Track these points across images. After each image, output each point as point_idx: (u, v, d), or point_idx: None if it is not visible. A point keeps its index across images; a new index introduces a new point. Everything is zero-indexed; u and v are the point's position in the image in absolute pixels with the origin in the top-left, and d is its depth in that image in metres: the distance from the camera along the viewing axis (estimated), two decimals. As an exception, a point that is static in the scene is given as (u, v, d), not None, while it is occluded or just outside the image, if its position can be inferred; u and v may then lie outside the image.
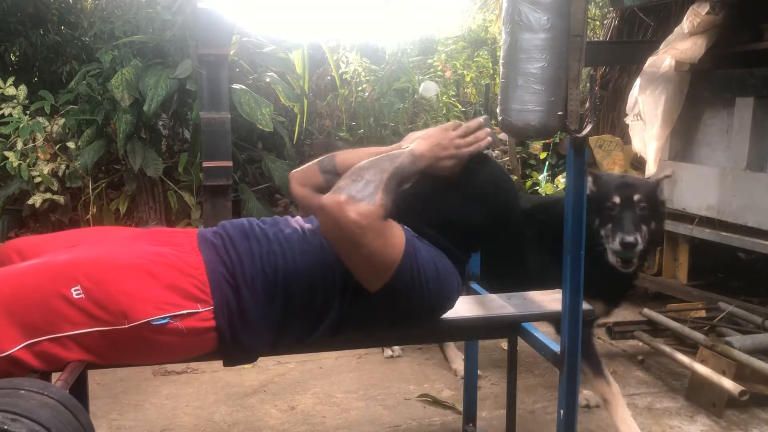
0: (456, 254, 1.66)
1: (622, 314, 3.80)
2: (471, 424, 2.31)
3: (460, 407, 2.42)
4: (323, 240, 1.54)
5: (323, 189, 1.76)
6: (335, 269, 1.52)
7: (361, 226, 1.37)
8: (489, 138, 1.66)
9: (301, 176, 1.88)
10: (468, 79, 5.41)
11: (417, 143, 1.61)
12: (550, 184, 4.36)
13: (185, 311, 1.44)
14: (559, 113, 1.66)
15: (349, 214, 1.37)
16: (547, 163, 4.53)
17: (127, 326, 1.41)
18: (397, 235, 1.48)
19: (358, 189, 1.41)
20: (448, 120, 4.89)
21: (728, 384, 2.48)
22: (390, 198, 1.46)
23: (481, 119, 1.68)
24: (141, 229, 1.79)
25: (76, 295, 1.39)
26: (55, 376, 1.43)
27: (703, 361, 2.71)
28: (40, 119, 3.75)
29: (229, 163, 3.24)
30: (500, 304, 1.92)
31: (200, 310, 1.46)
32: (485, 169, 1.69)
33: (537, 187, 4.46)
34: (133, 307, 1.41)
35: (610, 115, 4.35)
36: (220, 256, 1.53)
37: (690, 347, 2.99)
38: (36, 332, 1.38)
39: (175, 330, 1.43)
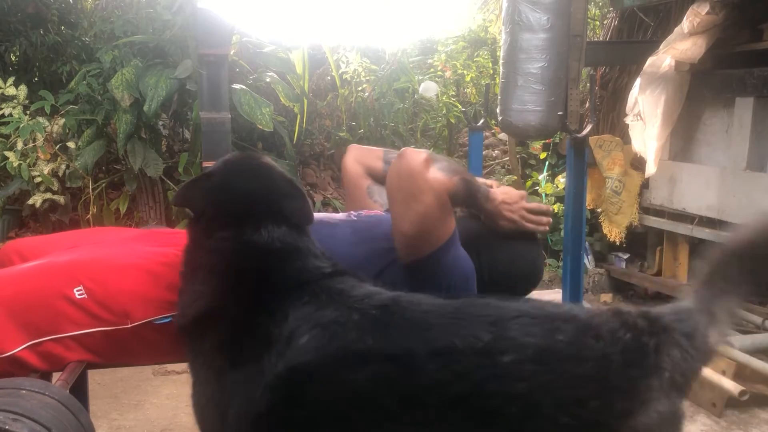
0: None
1: (622, 314, 3.80)
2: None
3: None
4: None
5: (378, 176, 1.85)
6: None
7: (431, 186, 1.41)
8: (547, 228, 1.74)
9: (361, 154, 1.92)
10: (468, 79, 5.41)
11: (495, 191, 1.67)
12: (550, 184, 4.36)
13: None
14: (559, 113, 1.67)
15: (426, 170, 1.42)
16: (547, 163, 4.52)
17: (129, 326, 1.42)
18: (450, 220, 1.51)
19: (442, 164, 1.47)
20: (449, 120, 4.89)
21: (728, 384, 2.48)
22: (462, 191, 1.51)
23: (550, 208, 1.77)
24: (142, 230, 1.80)
25: (79, 295, 1.40)
26: (55, 376, 1.43)
27: (703, 361, 2.71)
28: (40, 119, 3.75)
29: (229, 163, 3.23)
30: (500, 304, 1.93)
31: None
32: (528, 244, 1.75)
33: (537, 187, 4.46)
34: (135, 307, 1.42)
35: (610, 115, 4.35)
36: None
37: (690, 347, 2.99)
38: (38, 333, 1.38)
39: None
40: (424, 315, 1.15)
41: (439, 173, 1.43)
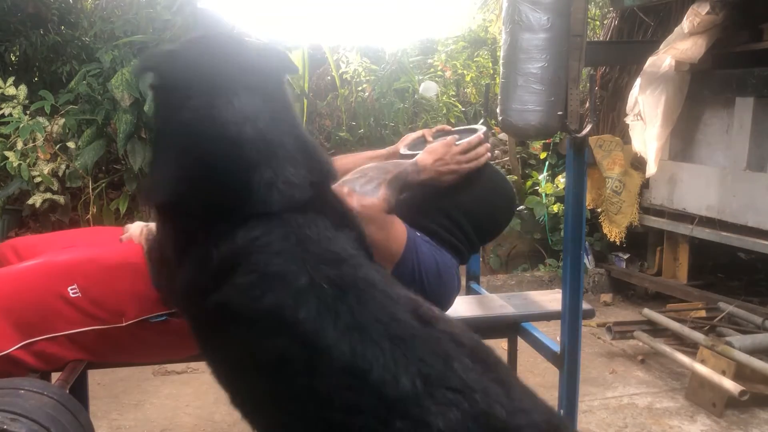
0: (461, 250, 1.66)
1: (622, 314, 3.80)
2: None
3: (460, 407, 2.42)
4: None
5: None
6: None
7: (363, 217, 1.38)
8: (488, 154, 1.69)
9: (341, 164, 1.89)
10: (468, 79, 5.40)
11: (420, 156, 1.64)
12: (550, 184, 4.35)
13: None
14: (559, 113, 1.67)
15: (352, 204, 1.39)
16: (547, 163, 4.52)
17: (124, 324, 1.42)
18: (399, 230, 1.50)
19: (362, 184, 1.45)
20: (449, 120, 4.89)
21: (728, 384, 2.48)
22: (393, 194, 1.48)
23: (480, 134, 1.70)
24: None
25: (73, 294, 1.40)
26: (55, 375, 1.43)
27: (703, 361, 2.71)
28: (40, 119, 3.75)
29: (229, 163, 3.24)
30: (500, 304, 1.93)
31: None
32: (484, 176, 1.71)
33: (537, 187, 4.46)
34: (130, 306, 1.42)
35: (610, 115, 4.34)
36: None
37: (690, 347, 2.99)
38: (33, 331, 1.38)
39: (173, 327, 1.44)
40: (373, 326, 0.97)
41: (365, 199, 1.42)
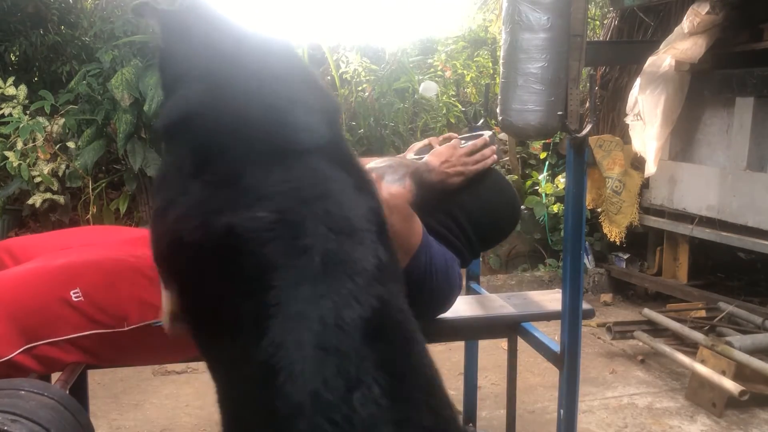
0: (463, 253, 1.67)
1: (622, 314, 3.81)
2: (471, 424, 2.31)
3: (460, 407, 2.42)
4: None
5: None
6: None
7: (390, 205, 1.38)
8: (494, 156, 1.70)
9: None
10: (468, 79, 5.40)
11: (428, 158, 1.65)
12: (550, 184, 4.35)
13: None
14: (559, 113, 1.67)
15: (380, 192, 1.39)
16: (547, 163, 4.52)
17: (127, 329, 1.41)
18: (418, 223, 1.51)
19: (390, 172, 1.46)
20: (449, 120, 4.89)
21: (728, 384, 2.48)
22: (414, 188, 1.49)
23: (486, 137, 1.72)
24: (136, 232, 1.78)
25: (76, 298, 1.39)
26: (54, 376, 1.43)
27: (703, 361, 2.71)
28: (40, 119, 3.75)
29: (229, 163, 3.24)
30: (500, 304, 1.93)
31: None
32: (489, 179, 1.72)
33: (537, 187, 4.46)
34: (133, 310, 1.41)
35: (610, 115, 4.35)
36: None
37: (690, 347, 2.99)
38: (35, 336, 1.38)
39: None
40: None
41: (393, 188, 1.43)
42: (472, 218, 1.67)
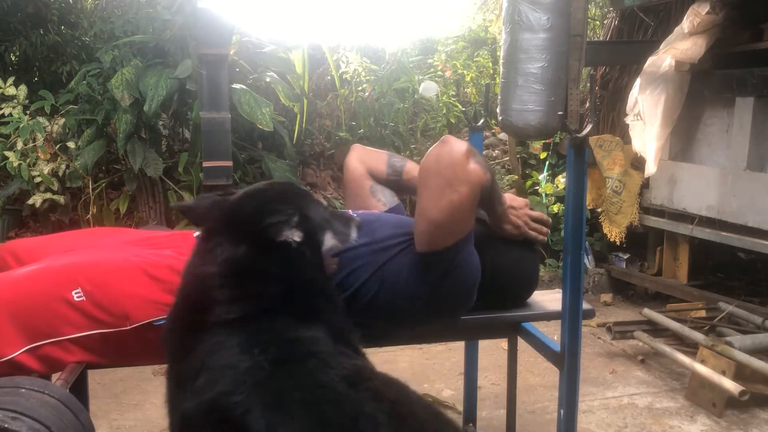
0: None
1: (622, 314, 3.81)
2: (471, 424, 2.32)
3: (460, 407, 2.42)
4: None
5: (380, 180, 1.87)
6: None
7: (469, 177, 1.41)
8: (545, 238, 1.79)
9: (365, 154, 1.93)
10: (468, 79, 5.41)
11: (505, 194, 1.71)
12: (550, 184, 4.36)
13: None
14: (559, 113, 1.67)
15: (467, 160, 1.42)
16: (547, 163, 4.52)
17: (128, 327, 1.42)
18: (474, 218, 1.52)
19: (479, 158, 1.47)
20: (449, 120, 4.90)
21: (728, 384, 2.48)
22: (491, 187, 1.52)
23: (549, 220, 1.81)
24: (138, 232, 1.79)
25: (77, 297, 1.40)
26: (55, 376, 1.43)
27: (703, 361, 2.71)
28: (40, 119, 3.75)
29: (229, 163, 3.23)
30: (500, 304, 1.92)
31: None
32: (529, 253, 1.80)
33: (537, 187, 4.46)
34: (134, 309, 1.42)
35: (610, 115, 4.35)
36: None
37: (690, 347, 2.99)
38: (38, 336, 1.38)
39: None
40: (292, 395, 1.04)
41: (477, 166, 1.43)
42: (495, 268, 1.69)
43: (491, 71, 5.42)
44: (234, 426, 1.02)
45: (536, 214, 1.76)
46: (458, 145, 1.43)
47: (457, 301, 1.61)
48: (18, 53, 4.27)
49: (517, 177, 4.57)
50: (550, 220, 1.84)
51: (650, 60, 3.48)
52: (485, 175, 1.45)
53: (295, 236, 1.22)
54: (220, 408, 1.04)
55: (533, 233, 1.74)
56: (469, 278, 1.55)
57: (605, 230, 3.99)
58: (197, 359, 1.12)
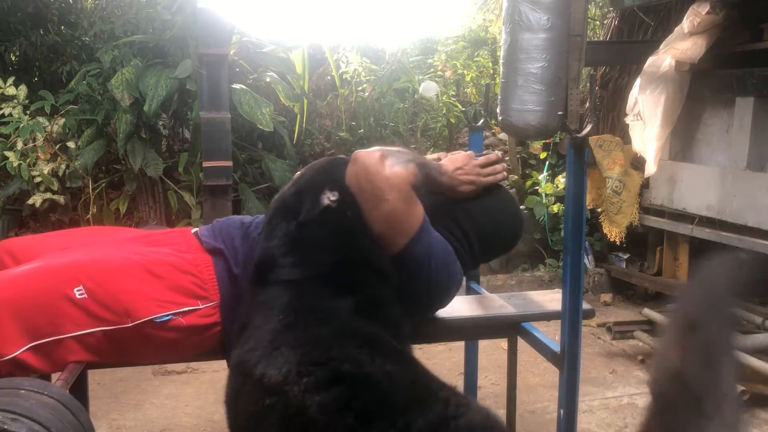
0: (464, 260, 1.66)
1: (622, 314, 3.81)
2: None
3: (460, 407, 2.41)
4: None
5: None
6: None
7: (390, 183, 1.41)
8: (505, 173, 1.74)
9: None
10: (468, 79, 5.40)
11: (443, 161, 1.66)
12: (550, 184, 4.35)
13: (187, 308, 1.46)
14: (559, 113, 1.67)
15: (382, 168, 1.42)
16: (547, 163, 4.52)
17: (130, 324, 1.42)
18: (419, 208, 1.51)
19: (394, 155, 1.48)
20: (449, 120, 4.89)
21: (728, 384, 2.48)
22: (420, 175, 1.50)
23: (498, 154, 1.76)
24: (136, 230, 1.79)
25: (79, 295, 1.40)
26: (55, 375, 1.43)
27: (703, 361, 2.70)
28: (40, 119, 3.75)
29: (229, 163, 3.24)
30: (500, 304, 1.93)
31: (201, 307, 1.47)
32: (498, 196, 1.75)
33: (537, 187, 4.46)
34: (135, 306, 1.42)
35: (610, 115, 4.34)
36: (224, 255, 1.54)
37: (690, 347, 2.98)
38: (40, 334, 1.38)
39: (177, 327, 1.45)
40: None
41: (396, 167, 1.44)
42: (477, 227, 1.67)
43: (491, 71, 5.41)
44: (252, 381, 1.14)
45: (482, 159, 1.70)
46: (368, 158, 1.43)
47: (451, 279, 1.61)
48: (18, 53, 4.27)
49: (517, 177, 4.57)
50: (500, 154, 1.77)
51: (650, 60, 3.48)
52: (406, 170, 1.45)
53: (330, 196, 1.37)
54: (243, 361, 1.19)
55: (489, 179, 1.69)
56: (440, 263, 1.55)
57: (605, 230, 3.98)
58: (247, 313, 1.32)
